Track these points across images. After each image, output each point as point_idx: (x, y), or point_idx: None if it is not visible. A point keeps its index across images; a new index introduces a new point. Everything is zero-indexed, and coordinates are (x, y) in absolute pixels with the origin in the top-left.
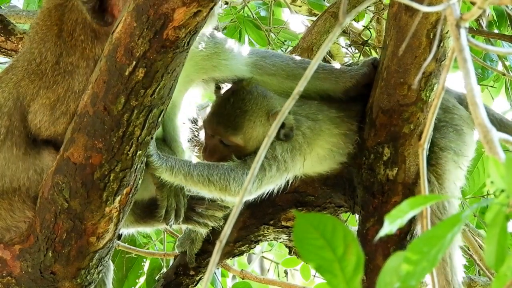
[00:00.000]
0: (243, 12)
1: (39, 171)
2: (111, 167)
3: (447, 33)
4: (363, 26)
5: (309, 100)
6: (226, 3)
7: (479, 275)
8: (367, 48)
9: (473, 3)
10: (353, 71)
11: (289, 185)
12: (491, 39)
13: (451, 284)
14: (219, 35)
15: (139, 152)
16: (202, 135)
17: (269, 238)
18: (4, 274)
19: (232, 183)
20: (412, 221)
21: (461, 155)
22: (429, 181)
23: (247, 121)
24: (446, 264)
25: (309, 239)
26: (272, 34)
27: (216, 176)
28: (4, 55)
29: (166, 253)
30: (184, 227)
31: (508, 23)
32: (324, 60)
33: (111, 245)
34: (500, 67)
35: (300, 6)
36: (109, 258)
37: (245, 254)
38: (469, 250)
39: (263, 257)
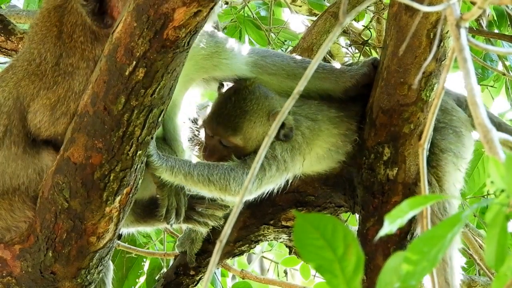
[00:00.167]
0: (243, 12)
1: (38, 171)
2: (111, 167)
3: (447, 33)
4: (363, 26)
5: (309, 100)
6: (226, 3)
7: (479, 275)
8: (367, 48)
9: (473, 3)
10: (353, 71)
11: (289, 184)
12: (491, 39)
13: (450, 285)
14: (220, 34)
15: (139, 152)
16: (202, 134)
17: (269, 238)
18: (4, 274)
19: (232, 182)
20: (412, 221)
21: (461, 157)
22: (429, 183)
23: (247, 121)
24: (446, 264)
25: (309, 239)
26: (272, 34)
27: (216, 176)
28: (4, 55)
29: (166, 253)
30: (184, 226)
31: (508, 23)
32: (324, 60)
33: (111, 245)
34: (500, 67)
35: (300, 6)
36: (109, 258)
37: (245, 254)
38: (469, 250)
39: (263, 257)
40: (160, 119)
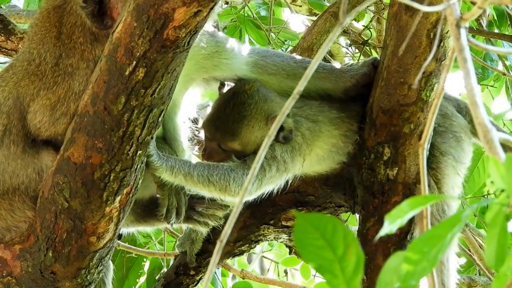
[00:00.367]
0: (244, 11)
1: (38, 170)
2: (111, 167)
3: (447, 33)
4: (364, 25)
5: (310, 101)
6: (227, 3)
7: (479, 275)
8: (367, 48)
9: (473, 3)
10: (353, 71)
11: (289, 185)
12: (491, 38)
13: (446, 287)
14: (220, 34)
15: (139, 152)
16: (202, 134)
17: (269, 238)
18: (4, 274)
19: (232, 183)
20: (412, 221)
21: (460, 161)
22: (428, 185)
23: (246, 126)
24: (443, 266)
25: (309, 239)
26: (272, 34)
27: (216, 176)
28: (4, 55)
29: (167, 252)
30: (184, 226)
31: (508, 22)
32: (325, 59)
33: (111, 245)
34: (500, 66)
35: (301, 6)
36: (109, 258)
37: (245, 254)
38: (469, 250)
39: (263, 256)
40: (160, 119)
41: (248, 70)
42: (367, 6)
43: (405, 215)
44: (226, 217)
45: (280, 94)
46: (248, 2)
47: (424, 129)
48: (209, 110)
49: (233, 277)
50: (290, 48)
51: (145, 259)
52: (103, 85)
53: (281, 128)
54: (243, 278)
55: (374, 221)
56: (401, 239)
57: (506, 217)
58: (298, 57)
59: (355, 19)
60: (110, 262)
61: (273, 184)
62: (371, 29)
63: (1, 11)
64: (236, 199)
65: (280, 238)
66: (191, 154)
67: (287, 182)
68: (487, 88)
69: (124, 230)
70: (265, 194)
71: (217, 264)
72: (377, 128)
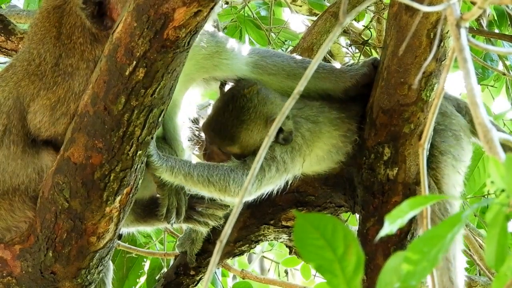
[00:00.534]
0: (244, 11)
1: (38, 170)
2: (111, 167)
3: (447, 33)
4: (364, 26)
5: (311, 102)
6: (227, 3)
7: (479, 275)
8: (367, 48)
9: (473, 3)
10: (353, 71)
11: (289, 185)
12: (491, 38)
13: (454, 284)
14: (220, 34)
15: (139, 152)
16: (203, 135)
17: (269, 238)
18: (4, 274)
19: (231, 183)
20: (412, 221)
21: (460, 160)
22: (428, 186)
23: (244, 130)
24: (450, 264)
25: (310, 239)
26: (272, 34)
27: (216, 176)
28: (5, 55)
29: (167, 253)
30: (184, 226)
31: (509, 22)
32: (325, 59)
33: (111, 245)
34: (500, 66)
35: (301, 6)
36: (109, 258)
37: (245, 254)
38: (469, 250)
39: (263, 256)
40: (160, 119)
41: (248, 70)
42: (367, 6)
43: (405, 215)
44: (226, 217)
45: (281, 94)
46: (248, 2)
47: (424, 129)
48: (209, 110)
49: (233, 277)
50: (290, 48)
51: (145, 259)
52: (103, 85)
53: (281, 130)
54: (243, 278)
55: (374, 221)
56: (401, 239)
57: (506, 217)
58: (298, 57)
59: (355, 19)
60: (110, 262)
61: (273, 184)
62: (371, 29)
63: (1, 11)
64: (235, 200)
65: (280, 238)
66: (191, 154)
67: (286, 182)
68: (487, 88)
69: (124, 230)
70: (264, 195)
71: (217, 264)
72: (377, 128)
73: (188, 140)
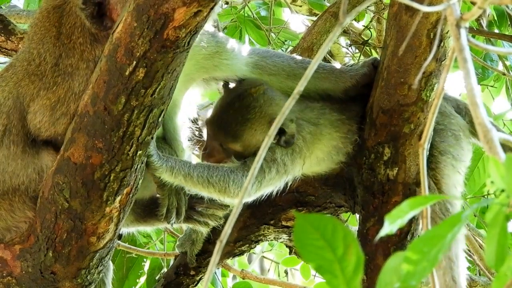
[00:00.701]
0: (244, 11)
1: (38, 170)
2: (111, 167)
3: (447, 33)
4: (364, 26)
5: (312, 103)
6: (227, 3)
7: (479, 275)
8: (367, 48)
9: (473, 3)
10: (353, 71)
11: (288, 187)
12: (491, 39)
13: (457, 283)
14: (221, 34)
15: (139, 152)
16: (204, 132)
17: (269, 238)
18: (4, 274)
19: (231, 185)
20: (412, 221)
21: (459, 160)
22: (428, 187)
23: (248, 129)
24: (453, 263)
25: (309, 240)
26: (272, 34)
27: (215, 177)
28: (5, 55)
29: (167, 253)
30: (184, 226)
31: (509, 23)
32: (325, 60)
33: (111, 245)
34: (500, 67)
35: (301, 6)
36: (109, 258)
37: (245, 254)
38: (469, 250)
39: (263, 257)
40: (160, 119)
41: (248, 70)
42: (367, 6)
43: (405, 215)
44: (226, 217)
45: (285, 96)
46: (248, 2)
47: (424, 129)
48: (213, 107)
49: (233, 277)
50: (290, 48)
51: (145, 259)
52: (103, 85)
53: (283, 132)
54: (243, 278)
55: (374, 221)
56: (401, 239)
57: (506, 217)
58: (298, 57)
59: (355, 19)
60: (110, 262)
61: (273, 186)
62: (371, 29)
63: (1, 11)
64: (235, 201)
65: (280, 238)
66: (191, 154)
67: (286, 183)
68: (487, 88)
69: (124, 230)
70: (264, 196)
71: (217, 264)
72: (377, 128)
73: (188, 140)
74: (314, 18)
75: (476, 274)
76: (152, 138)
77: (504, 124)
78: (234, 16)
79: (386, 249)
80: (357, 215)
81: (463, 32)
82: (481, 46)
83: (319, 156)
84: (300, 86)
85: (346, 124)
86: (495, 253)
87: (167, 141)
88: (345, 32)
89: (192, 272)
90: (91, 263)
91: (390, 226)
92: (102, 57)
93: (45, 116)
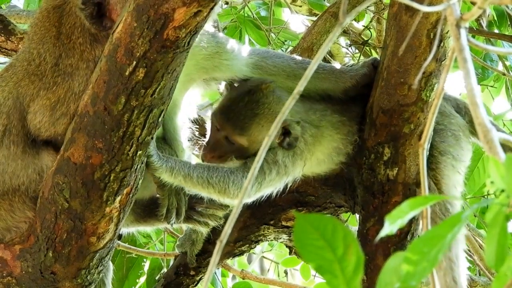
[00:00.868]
0: (244, 12)
1: (38, 170)
2: (111, 167)
3: (447, 33)
4: (363, 26)
5: (315, 104)
6: (226, 3)
7: (479, 275)
8: (367, 48)
9: (473, 3)
10: (353, 71)
11: (288, 187)
12: (491, 39)
13: (458, 284)
14: (221, 35)
15: (139, 152)
16: (207, 125)
17: (269, 238)
18: (4, 274)
19: (231, 185)
20: (412, 221)
21: (459, 160)
22: (428, 187)
23: (256, 124)
24: (453, 263)
25: (309, 240)
26: (272, 34)
27: (215, 178)
28: (4, 55)
29: (167, 253)
30: (184, 226)
31: (508, 23)
32: (325, 60)
33: (111, 245)
34: (500, 67)
35: (301, 6)
36: (109, 258)
37: (245, 254)
38: (469, 250)
39: (263, 257)
40: (160, 119)
41: (249, 71)
42: (367, 6)
43: (405, 216)
44: (226, 217)
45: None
46: (248, 2)
47: (424, 129)
48: (220, 100)
49: (233, 277)
50: (290, 48)
51: (145, 259)
52: (103, 85)
53: (288, 134)
54: (243, 278)
55: (374, 221)
56: (401, 239)
57: (506, 217)
58: (298, 58)
59: (355, 19)
60: (110, 263)
61: (272, 187)
62: (371, 29)
63: (1, 11)
64: (235, 201)
65: (280, 238)
66: (191, 155)
67: (286, 185)
68: (487, 88)
69: (124, 230)
70: (264, 197)
71: (217, 264)
72: (377, 128)
73: (188, 140)
74: (314, 18)
75: (476, 274)
76: (152, 138)
77: (504, 124)
78: (234, 16)
79: (386, 249)
80: (357, 215)
81: (463, 32)
82: (481, 46)
83: (319, 157)
84: (300, 86)
85: (347, 126)
86: (495, 253)
87: (167, 142)
88: (345, 32)
89: (192, 272)
90: (91, 263)
91: (390, 226)
92: (102, 57)
93: (45, 116)
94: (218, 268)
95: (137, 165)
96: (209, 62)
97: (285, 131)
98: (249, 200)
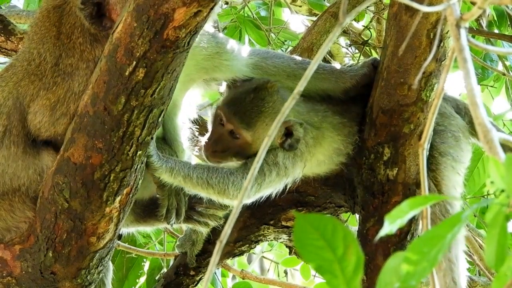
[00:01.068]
0: (243, 12)
1: (39, 171)
2: (111, 167)
3: (447, 33)
4: (363, 26)
5: (316, 105)
6: (226, 3)
7: (479, 275)
8: (367, 48)
9: (473, 3)
10: (353, 71)
11: (287, 188)
12: (491, 39)
13: (457, 284)
14: (221, 35)
15: (139, 152)
16: (210, 120)
17: (269, 238)
18: (4, 274)
19: (230, 186)
20: (412, 221)
21: (459, 161)
22: (428, 188)
23: (261, 121)
24: (453, 264)
25: (309, 240)
26: (272, 34)
27: (215, 179)
28: (4, 55)
29: (166, 253)
30: (184, 226)
31: (508, 23)
32: (324, 60)
33: (111, 245)
34: (500, 67)
35: (300, 6)
36: (109, 258)
37: (245, 254)
38: (469, 250)
39: (263, 257)
40: (160, 119)
41: (249, 71)
42: (367, 6)
43: (405, 216)
44: (226, 217)
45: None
46: (248, 2)
47: (424, 129)
48: (226, 95)
49: (233, 277)
50: (290, 48)
51: (145, 259)
52: (103, 85)
53: (291, 135)
54: (243, 279)
55: (374, 221)
56: (401, 239)
57: (506, 217)
58: (298, 58)
59: (355, 19)
60: (110, 263)
61: (272, 188)
62: (371, 29)
63: (1, 11)
64: (234, 202)
65: (280, 238)
66: (191, 155)
67: (285, 185)
68: (487, 88)
69: (124, 230)
70: (263, 197)
71: (217, 265)
72: (377, 128)
73: (188, 141)
74: (314, 18)
75: (476, 275)
76: (152, 138)
77: (504, 124)
78: (234, 16)
79: (386, 249)
80: (357, 215)
81: (463, 32)
82: (481, 46)
83: (319, 159)
84: (300, 86)
85: (347, 127)
86: (495, 253)
87: (167, 142)
88: (345, 32)
89: (192, 272)
90: (91, 263)
91: (390, 226)
92: (102, 57)
93: (45, 116)
94: (218, 268)
95: (137, 165)
96: (209, 63)
97: (288, 132)
98: (248, 201)
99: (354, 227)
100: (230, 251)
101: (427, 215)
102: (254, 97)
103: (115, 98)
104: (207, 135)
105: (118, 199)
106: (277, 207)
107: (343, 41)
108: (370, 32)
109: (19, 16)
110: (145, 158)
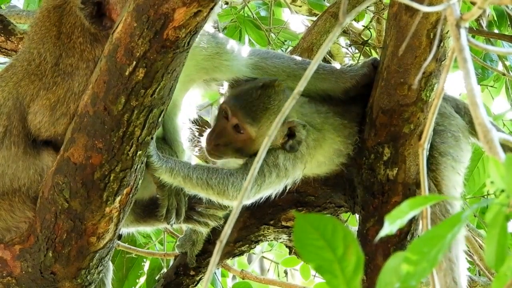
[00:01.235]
0: (243, 12)
1: (39, 171)
2: (111, 167)
3: (447, 33)
4: (363, 26)
5: (318, 106)
6: (226, 3)
7: (479, 275)
8: (367, 48)
9: (473, 3)
10: (353, 71)
11: (287, 188)
12: (491, 39)
13: (458, 284)
14: (221, 35)
15: (139, 152)
16: (213, 115)
17: (269, 238)
18: (4, 274)
19: (230, 187)
20: (412, 222)
21: (459, 161)
22: (428, 188)
23: (266, 118)
24: (454, 264)
25: (309, 240)
26: (272, 34)
27: (215, 180)
28: (4, 55)
29: (166, 253)
30: (184, 226)
31: (508, 23)
32: (324, 60)
33: (111, 245)
34: (500, 67)
35: (300, 6)
36: (109, 258)
37: (245, 254)
38: (469, 250)
39: (263, 257)
40: (160, 120)
41: (249, 71)
42: (367, 6)
43: (405, 216)
44: (226, 217)
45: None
46: (248, 2)
47: (424, 129)
48: (230, 90)
49: (233, 277)
50: (290, 48)
51: (145, 260)
52: (103, 85)
53: (293, 136)
54: (243, 279)
55: (374, 221)
56: (401, 239)
57: (506, 217)
58: (298, 58)
59: (355, 20)
60: (110, 263)
61: (272, 189)
62: (371, 29)
63: (1, 11)
64: (233, 203)
65: (280, 238)
66: (192, 155)
67: (285, 186)
68: (487, 88)
69: (124, 230)
70: (263, 198)
71: (217, 265)
72: (377, 128)
73: (188, 141)
74: (314, 18)
75: (476, 274)
76: (152, 138)
77: (504, 124)
78: (234, 16)
79: (386, 249)
80: (357, 215)
81: (463, 32)
82: (481, 46)
83: (320, 160)
84: (300, 87)
85: (348, 128)
86: (495, 253)
87: (167, 142)
88: (345, 32)
89: (192, 272)
90: (91, 263)
91: (390, 226)
92: (102, 57)
93: (45, 116)
94: (218, 268)
95: (137, 165)
96: (209, 63)
97: (290, 133)
98: (248, 201)
99: (354, 227)
100: (230, 251)
101: (427, 215)
102: (261, 94)
103: (115, 98)
104: (209, 130)
105: (118, 199)
106: (277, 207)
107: (343, 41)
108: (370, 32)
109: (19, 16)
110: (145, 158)
